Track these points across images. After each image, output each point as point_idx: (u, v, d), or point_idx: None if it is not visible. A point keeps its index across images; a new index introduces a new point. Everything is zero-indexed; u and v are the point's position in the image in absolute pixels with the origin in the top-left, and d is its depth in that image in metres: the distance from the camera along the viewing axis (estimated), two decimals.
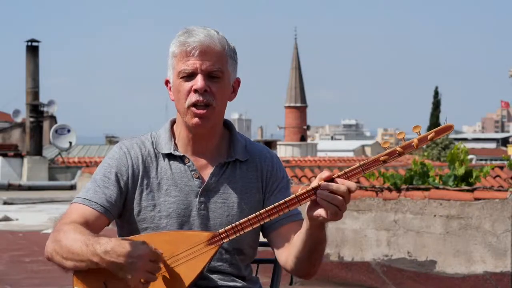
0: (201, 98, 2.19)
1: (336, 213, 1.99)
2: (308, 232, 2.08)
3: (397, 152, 2.01)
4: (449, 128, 2.01)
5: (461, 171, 6.34)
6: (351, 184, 1.99)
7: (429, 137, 2.02)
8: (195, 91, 2.19)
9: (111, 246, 1.99)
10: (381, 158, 2.01)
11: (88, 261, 2.02)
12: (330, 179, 2.00)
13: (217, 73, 2.21)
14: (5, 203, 16.81)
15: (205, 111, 2.19)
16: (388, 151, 2.02)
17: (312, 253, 2.13)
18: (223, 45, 2.23)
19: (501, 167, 11.95)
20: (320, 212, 2.00)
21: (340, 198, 1.97)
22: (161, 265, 2.05)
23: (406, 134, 2.04)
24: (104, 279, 2.04)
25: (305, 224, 2.08)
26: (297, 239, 2.14)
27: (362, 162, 2.02)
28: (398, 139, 2.05)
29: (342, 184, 1.98)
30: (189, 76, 2.20)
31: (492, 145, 79.56)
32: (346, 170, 2.01)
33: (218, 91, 2.21)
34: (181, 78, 2.21)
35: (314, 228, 2.06)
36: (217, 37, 2.23)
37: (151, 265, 1.99)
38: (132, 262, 1.97)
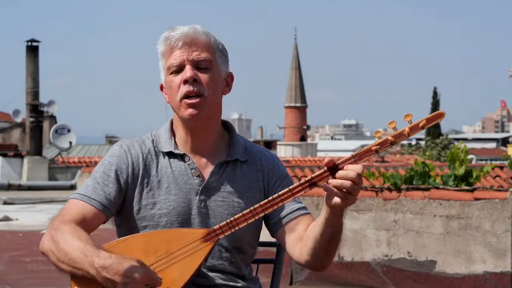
0: (191, 88, 2.18)
1: (347, 197, 2.00)
2: (328, 221, 2.08)
3: (389, 141, 2.00)
4: (440, 115, 2.00)
5: (461, 171, 6.34)
6: (358, 167, 1.99)
7: (420, 124, 1.99)
8: (185, 82, 2.19)
9: (110, 262, 1.97)
10: (373, 148, 2.00)
11: (85, 271, 2.00)
12: (334, 165, 2.01)
13: (205, 62, 2.21)
14: (5, 203, 16.81)
15: (197, 100, 2.19)
16: (380, 140, 2.00)
17: (330, 242, 2.14)
18: (208, 37, 2.24)
19: (501, 167, 11.94)
20: (336, 199, 2.01)
21: (349, 183, 1.98)
22: (158, 263, 2.05)
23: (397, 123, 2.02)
24: None
25: (325, 214, 2.08)
26: (314, 230, 2.14)
27: (354, 153, 2.01)
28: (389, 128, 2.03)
29: (351, 170, 1.98)
30: (178, 70, 2.21)
31: (492, 145, 79.60)
32: (339, 161, 2.01)
33: (208, 81, 2.21)
34: (171, 74, 2.22)
35: (334, 216, 2.06)
36: (201, 30, 2.24)
37: None
38: (127, 283, 1.94)
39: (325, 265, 2.22)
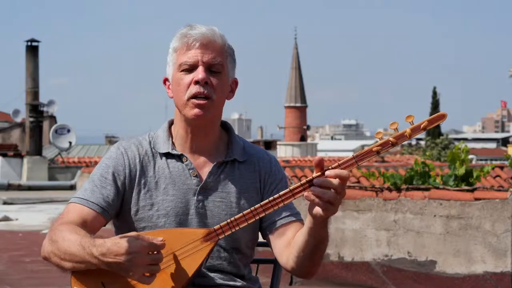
0: (201, 90, 2.18)
1: (327, 208, 1.95)
2: (311, 230, 2.06)
3: (390, 142, 1.98)
4: (442, 116, 1.98)
5: (461, 171, 6.34)
6: (342, 173, 1.94)
7: (422, 126, 1.98)
8: (196, 82, 2.19)
9: (107, 247, 1.98)
10: (374, 149, 1.99)
11: (88, 262, 2.01)
12: (321, 170, 1.97)
13: (217, 66, 2.21)
14: (5, 203, 16.82)
15: (205, 102, 2.19)
16: (381, 142, 1.99)
17: (314, 252, 2.12)
18: (223, 41, 2.25)
19: (502, 167, 11.95)
20: (317, 209, 1.98)
21: (331, 192, 1.94)
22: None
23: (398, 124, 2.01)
24: (102, 279, 2.04)
25: (308, 223, 2.06)
26: (299, 238, 2.13)
27: (355, 154, 1.99)
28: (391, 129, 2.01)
29: (332, 178, 1.94)
30: (190, 69, 2.20)
31: (492, 145, 79.57)
32: (340, 162, 1.98)
33: (218, 85, 2.21)
34: (182, 71, 2.21)
35: (317, 226, 2.03)
36: (219, 33, 2.24)
37: (150, 257, 1.96)
38: (130, 259, 1.95)
39: (311, 273, 2.20)
